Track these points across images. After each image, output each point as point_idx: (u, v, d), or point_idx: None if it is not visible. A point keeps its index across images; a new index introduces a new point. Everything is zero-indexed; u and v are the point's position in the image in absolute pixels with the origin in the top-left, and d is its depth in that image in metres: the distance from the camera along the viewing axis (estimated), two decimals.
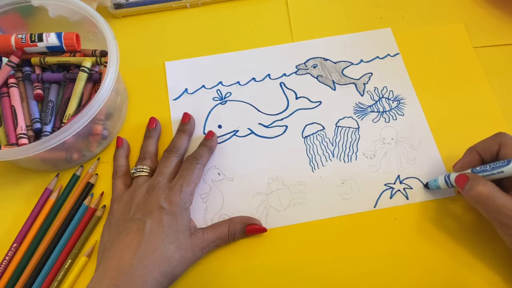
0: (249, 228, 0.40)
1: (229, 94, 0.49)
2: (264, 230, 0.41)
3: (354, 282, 0.39)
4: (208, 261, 0.40)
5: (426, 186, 0.43)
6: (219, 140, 0.46)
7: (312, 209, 0.42)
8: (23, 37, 0.44)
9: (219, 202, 0.43)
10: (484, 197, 0.35)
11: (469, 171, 0.38)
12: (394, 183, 0.43)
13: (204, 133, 0.46)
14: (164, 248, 0.37)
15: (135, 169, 0.42)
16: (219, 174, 0.44)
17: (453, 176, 0.39)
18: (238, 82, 0.49)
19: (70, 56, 0.45)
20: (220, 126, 0.47)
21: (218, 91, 0.49)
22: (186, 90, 0.49)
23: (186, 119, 0.46)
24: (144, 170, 0.42)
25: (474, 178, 0.36)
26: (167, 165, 0.42)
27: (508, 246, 0.36)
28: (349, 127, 0.46)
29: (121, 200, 0.41)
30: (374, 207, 0.42)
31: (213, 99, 0.49)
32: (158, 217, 0.38)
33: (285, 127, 0.47)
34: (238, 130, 0.47)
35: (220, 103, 0.48)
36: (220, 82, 0.49)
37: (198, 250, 0.38)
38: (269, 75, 0.50)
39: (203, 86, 0.49)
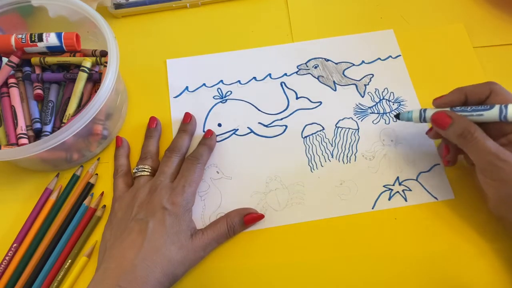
0: (247, 218, 0.41)
1: (229, 92, 0.49)
2: (261, 216, 0.41)
3: (351, 283, 0.39)
4: (208, 261, 0.40)
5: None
6: (219, 138, 0.46)
7: (310, 209, 0.42)
8: (23, 37, 0.44)
9: (217, 201, 0.43)
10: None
11: (448, 109, 0.38)
12: (393, 185, 0.43)
13: (204, 131, 0.46)
14: (166, 249, 0.37)
15: (136, 169, 0.42)
16: (217, 172, 0.44)
17: (430, 111, 0.39)
18: (239, 81, 0.49)
19: (70, 56, 0.45)
20: (220, 125, 0.47)
21: (219, 90, 0.49)
22: (187, 88, 0.49)
23: (188, 119, 0.46)
24: (145, 169, 0.42)
25: (459, 117, 0.36)
26: (169, 165, 0.42)
27: (489, 196, 0.37)
28: (349, 128, 0.46)
29: (123, 200, 0.41)
30: (372, 208, 0.42)
31: (213, 97, 0.49)
32: (160, 217, 0.38)
33: (284, 127, 0.47)
34: (237, 129, 0.47)
35: (221, 101, 0.48)
36: (221, 81, 0.49)
37: (200, 251, 0.39)
38: (270, 74, 0.50)
39: (204, 84, 0.49)
